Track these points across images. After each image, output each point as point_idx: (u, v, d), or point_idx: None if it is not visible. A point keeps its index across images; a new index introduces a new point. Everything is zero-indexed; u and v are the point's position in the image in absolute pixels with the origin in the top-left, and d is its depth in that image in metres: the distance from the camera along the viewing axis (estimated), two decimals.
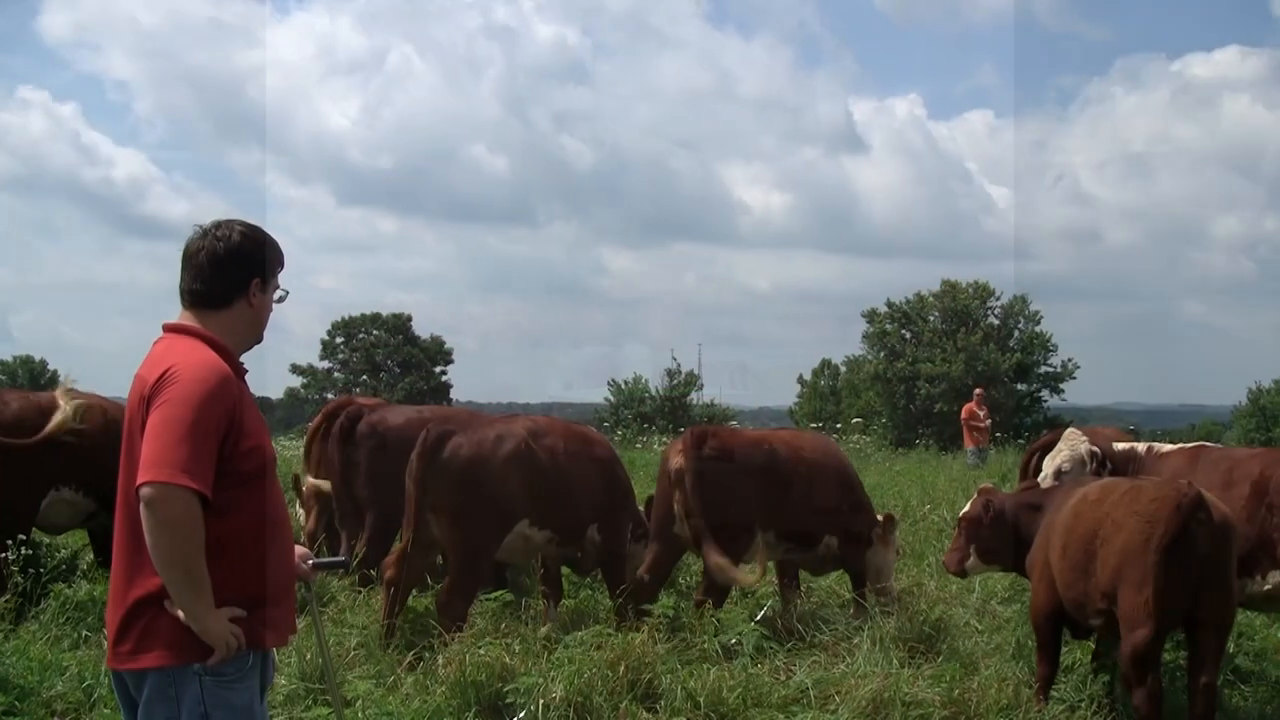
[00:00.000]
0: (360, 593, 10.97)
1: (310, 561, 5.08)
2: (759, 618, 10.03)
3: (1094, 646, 8.94)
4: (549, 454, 9.98)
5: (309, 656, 8.16)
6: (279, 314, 4.78)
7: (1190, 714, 7.33)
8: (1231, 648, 9.37)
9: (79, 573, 11.69)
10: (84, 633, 9.46)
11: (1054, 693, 8.31)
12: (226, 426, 4.30)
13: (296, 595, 4.91)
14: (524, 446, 9.80)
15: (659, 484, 10.71)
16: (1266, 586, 8.34)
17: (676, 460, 10.27)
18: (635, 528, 10.87)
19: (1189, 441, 11.11)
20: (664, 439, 31.36)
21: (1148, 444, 10.06)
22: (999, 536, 9.15)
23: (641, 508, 11.23)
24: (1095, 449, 9.96)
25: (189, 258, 4.56)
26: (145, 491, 4.10)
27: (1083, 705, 8.07)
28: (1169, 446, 9.84)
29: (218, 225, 4.59)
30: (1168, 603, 7.15)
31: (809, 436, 12.35)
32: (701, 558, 10.24)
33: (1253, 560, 8.31)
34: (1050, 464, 10.20)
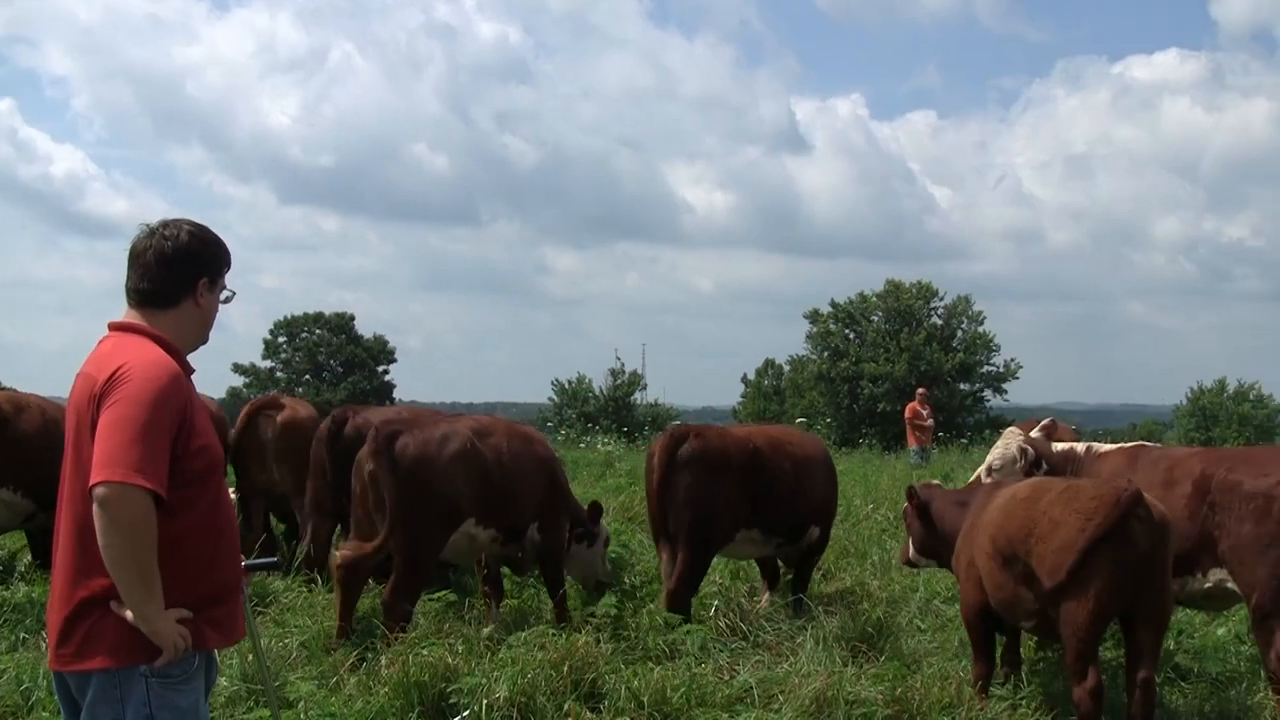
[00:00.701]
0: (309, 591, 10.94)
1: (242, 563, 5.05)
2: (714, 611, 10.07)
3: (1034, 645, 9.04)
4: (494, 453, 9.97)
5: (250, 658, 8.09)
6: (222, 313, 4.77)
7: (1129, 710, 7.40)
8: (1171, 645, 9.48)
9: (16, 574, 11.56)
10: (22, 635, 9.36)
11: (995, 690, 8.37)
12: (178, 425, 4.28)
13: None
14: (470, 446, 9.78)
15: (646, 483, 10.75)
16: (1207, 584, 8.42)
17: (656, 460, 10.31)
18: (574, 526, 10.92)
19: (1130, 441, 11.22)
20: (608, 439, 31.31)
21: (1087, 444, 10.14)
22: (926, 529, 9.37)
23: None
24: (1026, 447, 10.06)
25: (136, 256, 4.54)
26: (99, 491, 4.07)
27: (1024, 703, 8.13)
28: (1108, 446, 9.91)
29: (165, 224, 4.57)
30: (1106, 599, 7.23)
31: (795, 432, 12.54)
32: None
33: (1193, 558, 8.39)
34: (986, 460, 10.35)
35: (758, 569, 12.00)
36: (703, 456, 10.28)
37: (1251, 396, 67.67)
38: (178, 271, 4.53)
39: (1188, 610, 9.84)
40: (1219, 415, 66.80)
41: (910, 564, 9.93)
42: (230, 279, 4.76)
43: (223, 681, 7.85)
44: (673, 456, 10.21)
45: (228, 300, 4.74)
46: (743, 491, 10.43)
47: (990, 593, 8.05)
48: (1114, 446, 9.88)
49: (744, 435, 10.93)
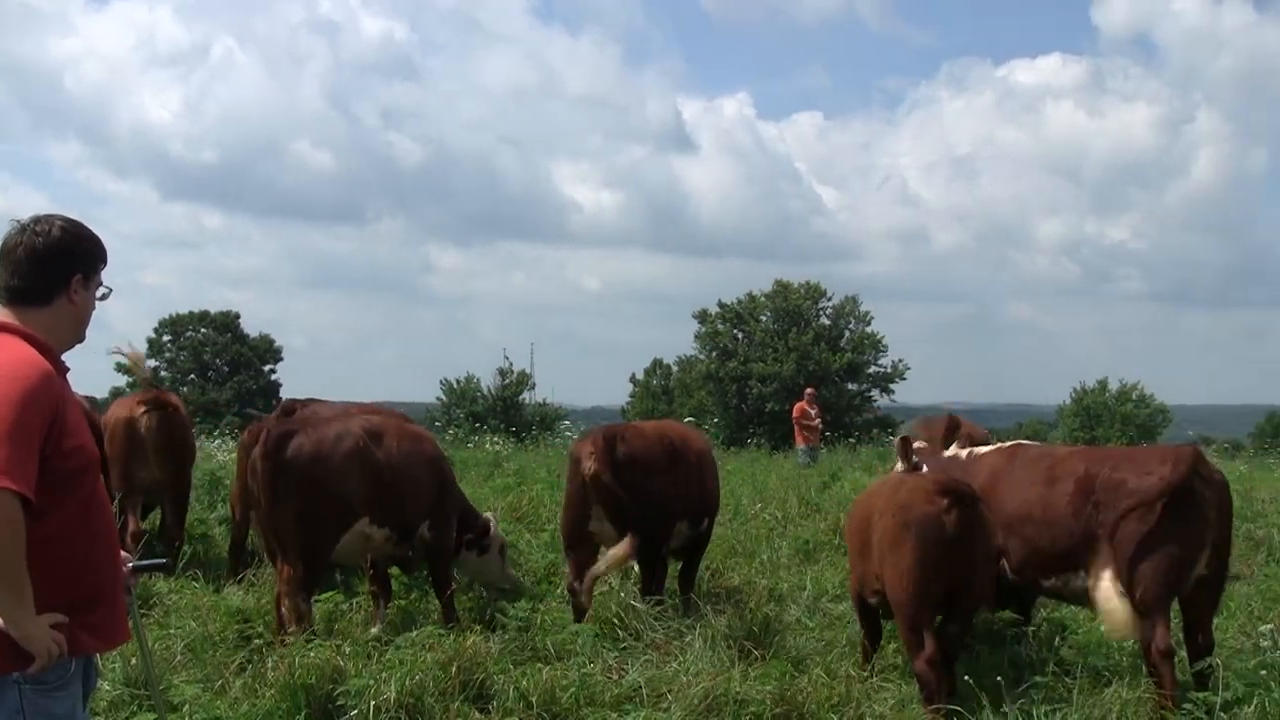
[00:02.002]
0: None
1: (130, 564, 4.95)
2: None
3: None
4: (386, 453, 9.95)
5: (133, 661, 7.96)
6: (102, 311, 4.68)
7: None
8: (1055, 640, 9.63)
9: None
10: None
11: (886, 685, 8.53)
12: (48, 425, 4.17)
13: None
14: (363, 444, 9.75)
15: (569, 486, 10.70)
16: (1090, 581, 8.58)
17: (590, 464, 10.22)
18: (464, 530, 10.99)
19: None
20: (496, 439, 31.15)
21: (969, 448, 10.21)
22: None
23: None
24: (909, 440, 10.34)
25: (7, 253, 4.43)
26: None
27: (913, 702, 8.22)
28: (988, 448, 10.04)
29: (37, 220, 4.46)
30: (922, 579, 7.91)
31: (682, 426, 12.93)
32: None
33: (1076, 556, 8.58)
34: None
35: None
36: (636, 458, 10.33)
37: (1134, 397, 68.80)
38: (50, 268, 4.43)
39: (1071, 606, 10.02)
40: (1103, 415, 67.87)
41: None
42: (110, 276, 4.66)
43: (105, 686, 7.71)
44: (612, 459, 10.21)
45: (104, 297, 4.64)
46: (674, 488, 10.56)
47: (851, 569, 8.96)
48: (992, 447, 10.01)
49: (658, 434, 11.05)
